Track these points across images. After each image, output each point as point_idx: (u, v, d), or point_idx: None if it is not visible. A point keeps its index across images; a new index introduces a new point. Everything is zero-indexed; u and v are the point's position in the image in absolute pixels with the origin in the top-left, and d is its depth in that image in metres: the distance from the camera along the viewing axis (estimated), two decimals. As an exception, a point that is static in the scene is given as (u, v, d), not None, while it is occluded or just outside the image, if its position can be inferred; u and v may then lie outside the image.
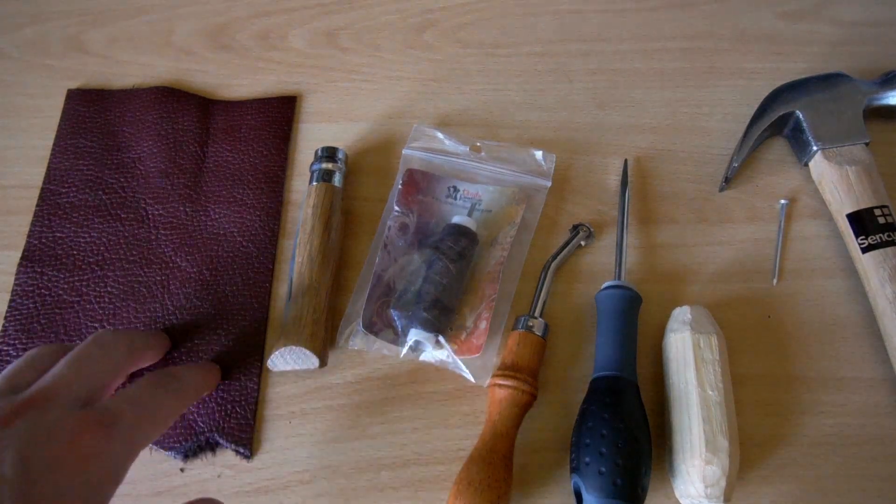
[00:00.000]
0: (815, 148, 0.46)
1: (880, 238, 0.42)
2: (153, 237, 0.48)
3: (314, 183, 0.47)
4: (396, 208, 0.47)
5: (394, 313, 0.43)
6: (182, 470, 0.41)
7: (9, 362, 0.44)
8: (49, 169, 0.51)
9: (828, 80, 0.48)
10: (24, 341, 0.44)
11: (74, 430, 0.30)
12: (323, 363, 0.41)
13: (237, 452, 0.41)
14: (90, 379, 0.33)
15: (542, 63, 0.54)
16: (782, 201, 0.48)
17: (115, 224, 0.48)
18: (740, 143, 0.48)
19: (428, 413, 0.42)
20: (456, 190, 0.48)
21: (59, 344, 0.37)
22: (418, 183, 0.48)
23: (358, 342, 0.44)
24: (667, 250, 0.47)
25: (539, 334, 0.41)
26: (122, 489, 0.40)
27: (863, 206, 0.44)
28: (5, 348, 0.44)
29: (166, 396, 0.36)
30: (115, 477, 0.31)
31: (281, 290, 0.46)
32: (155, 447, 0.41)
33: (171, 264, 0.47)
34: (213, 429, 0.42)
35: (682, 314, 0.41)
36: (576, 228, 0.47)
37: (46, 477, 0.28)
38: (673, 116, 0.51)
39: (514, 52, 0.55)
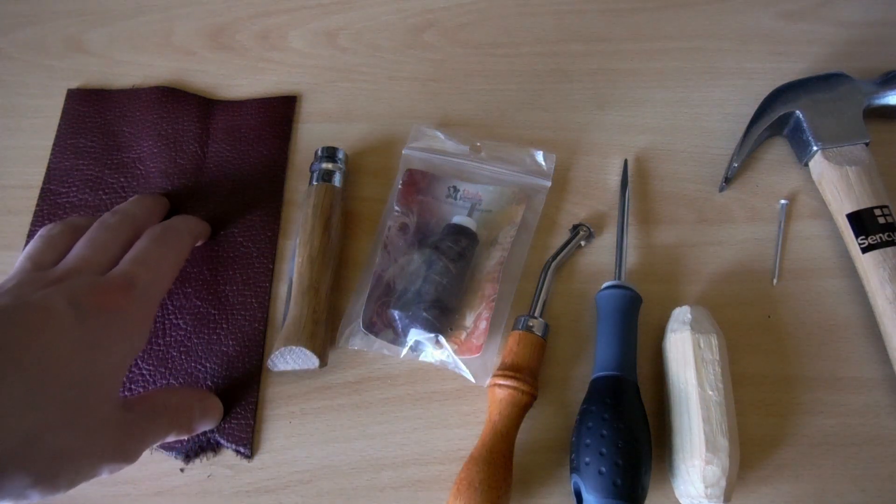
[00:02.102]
0: (815, 148, 0.46)
1: (880, 238, 0.43)
2: (153, 237, 0.48)
3: (314, 183, 0.47)
4: (396, 208, 0.47)
5: (394, 313, 0.43)
6: (182, 470, 0.41)
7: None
8: (49, 169, 0.51)
9: (828, 80, 0.48)
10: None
11: (105, 288, 0.35)
12: (323, 363, 0.41)
13: (237, 452, 0.41)
14: (106, 255, 0.38)
15: (542, 63, 0.54)
16: (782, 201, 0.48)
17: (115, 224, 0.48)
18: (740, 143, 0.48)
19: (428, 413, 0.42)
20: (456, 190, 0.48)
21: (68, 221, 0.41)
22: (418, 183, 0.48)
23: (358, 342, 0.44)
24: (667, 250, 0.47)
25: (539, 334, 0.41)
26: (122, 489, 0.40)
27: (863, 206, 0.44)
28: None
29: (168, 249, 0.41)
30: (143, 330, 0.37)
31: (281, 290, 0.46)
32: (155, 447, 0.41)
33: (171, 264, 0.47)
34: (214, 429, 0.42)
35: (682, 314, 0.41)
36: (576, 228, 0.47)
37: (94, 315, 0.34)
38: (673, 116, 0.51)
39: (514, 52, 0.55)
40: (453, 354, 0.42)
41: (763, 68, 0.53)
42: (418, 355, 0.43)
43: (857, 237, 0.43)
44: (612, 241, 0.47)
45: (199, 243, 0.46)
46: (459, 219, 0.46)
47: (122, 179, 0.50)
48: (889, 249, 0.42)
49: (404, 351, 0.43)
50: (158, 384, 0.43)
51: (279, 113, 0.52)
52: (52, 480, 0.31)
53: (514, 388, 0.39)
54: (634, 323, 0.42)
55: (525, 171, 0.49)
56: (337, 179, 0.47)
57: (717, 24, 0.55)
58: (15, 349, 0.30)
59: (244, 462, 0.41)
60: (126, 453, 0.34)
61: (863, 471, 0.40)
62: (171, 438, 0.38)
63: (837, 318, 0.44)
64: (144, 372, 0.43)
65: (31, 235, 0.48)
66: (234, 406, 0.42)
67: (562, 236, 0.47)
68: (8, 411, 0.29)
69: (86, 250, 0.38)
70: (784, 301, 0.45)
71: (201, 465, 0.41)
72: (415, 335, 0.42)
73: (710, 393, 0.37)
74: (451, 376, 0.43)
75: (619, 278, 0.44)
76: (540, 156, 0.49)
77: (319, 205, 0.45)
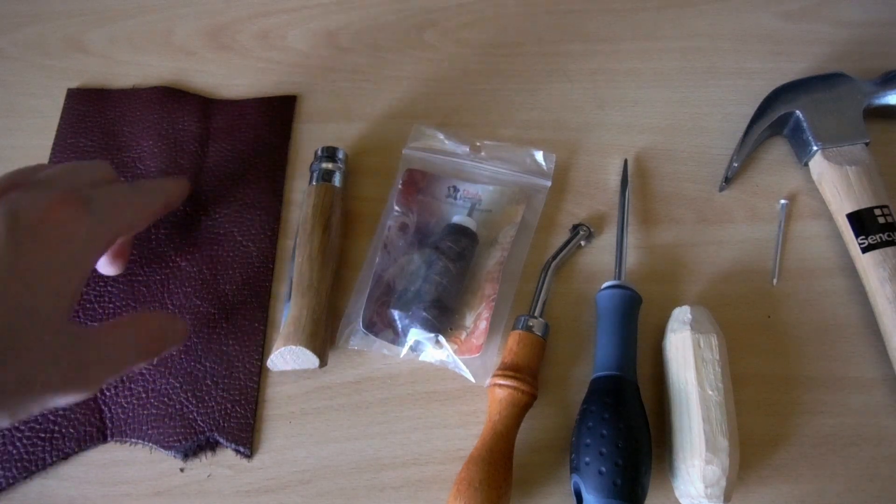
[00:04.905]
0: (815, 148, 0.46)
1: (880, 238, 0.42)
2: (153, 237, 0.48)
3: (314, 183, 0.47)
4: (396, 208, 0.47)
5: (394, 313, 0.43)
6: (182, 470, 0.41)
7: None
8: (49, 169, 0.51)
9: (828, 80, 0.48)
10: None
11: (54, 200, 0.33)
12: (323, 363, 0.41)
13: (237, 452, 0.41)
14: (73, 183, 0.37)
15: (542, 63, 0.54)
16: (782, 201, 0.48)
17: (115, 224, 0.48)
18: (740, 143, 0.48)
19: (428, 413, 0.42)
20: (456, 190, 0.48)
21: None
22: (418, 183, 0.48)
23: (358, 342, 0.44)
24: (667, 250, 0.47)
25: (539, 334, 0.41)
26: (122, 489, 0.40)
27: (863, 206, 0.44)
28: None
29: (134, 194, 0.39)
30: (91, 250, 0.35)
31: (281, 289, 0.46)
32: (155, 447, 0.41)
33: (171, 264, 0.47)
34: (213, 428, 0.42)
35: (682, 314, 0.41)
36: (576, 228, 0.47)
37: (34, 233, 0.32)
38: (673, 116, 0.51)
39: (514, 52, 0.55)
40: (453, 354, 0.42)
41: (763, 68, 0.53)
42: (418, 355, 0.43)
43: (857, 237, 0.43)
44: (612, 241, 0.47)
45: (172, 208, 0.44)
46: (459, 219, 0.46)
47: (122, 179, 0.50)
48: (889, 249, 0.42)
49: (404, 351, 0.43)
50: (158, 384, 0.43)
51: (279, 113, 0.52)
52: None
53: (514, 388, 0.39)
54: (634, 323, 0.42)
55: (525, 171, 0.49)
56: (337, 179, 0.47)
57: (717, 24, 0.55)
58: None
59: (244, 462, 0.41)
60: (80, 382, 0.33)
61: (863, 471, 0.40)
62: (138, 367, 0.37)
63: (837, 318, 0.44)
64: (144, 371, 0.43)
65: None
66: (234, 406, 0.42)
67: (562, 236, 0.47)
68: None
69: (53, 171, 0.37)
70: (784, 301, 0.45)
71: (201, 465, 0.41)
72: (415, 335, 0.42)
73: (710, 393, 0.37)
74: (451, 376, 0.43)
75: (619, 278, 0.44)
76: (540, 156, 0.49)
77: (319, 205, 0.45)
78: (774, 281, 0.45)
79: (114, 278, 0.46)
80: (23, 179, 0.36)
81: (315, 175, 0.47)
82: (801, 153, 0.48)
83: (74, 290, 0.34)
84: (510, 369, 0.40)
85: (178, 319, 0.39)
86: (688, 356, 0.39)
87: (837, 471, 0.40)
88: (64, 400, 0.32)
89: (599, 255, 0.47)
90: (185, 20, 0.58)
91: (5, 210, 0.32)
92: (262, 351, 0.44)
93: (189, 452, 0.41)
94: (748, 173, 0.49)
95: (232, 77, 0.55)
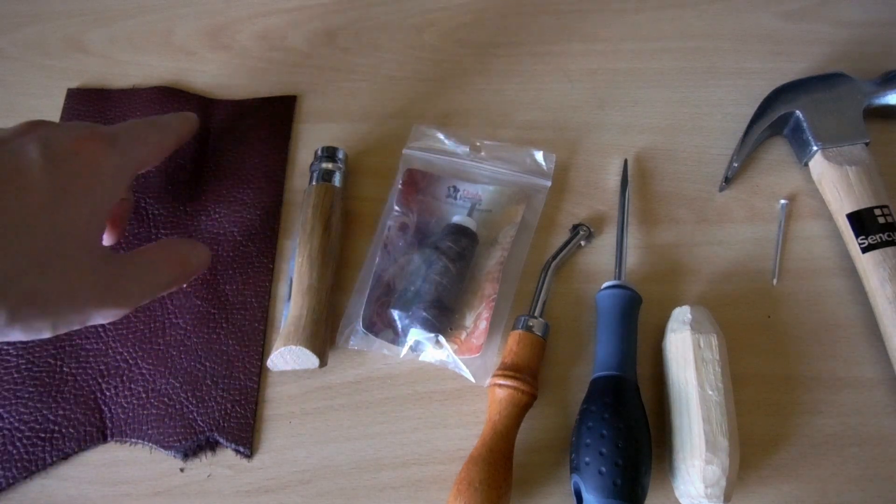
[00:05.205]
0: (815, 148, 0.46)
1: (880, 238, 0.43)
2: (153, 237, 0.48)
3: (314, 183, 0.47)
4: (396, 208, 0.47)
5: (394, 313, 0.43)
6: (182, 470, 0.41)
7: (8, 362, 0.44)
8: (49, 169, 0.51)
9: (828, 80, 0.48)
10: (24, 342, 0.44)
11: (82, 136, 0.36)
12: (323, 363, 0.41)
13: (237, 452, 0.41)
14: (94, 126, 0.39)
15: (542, 63, 0.54)
16: (782, 201, 0.48)
17: (115, 224, 0.48)
18: (740, 143, 0.48)
19: (428, 413, 0.42)
20: (456, 190, 0.48)
21: None
22: (418, 183, 0.48)
23: (358, 342, 0.44)
24: (667, 250, 0.47)
25: (539, 334, 0.41)
26: (122, 489, 0.40)
27: (863, 206, 0.44)
28: (6, 348, 0.44)
29: (152, 130, 0.41)
30: (117, 183, 0.37)
31: (281, 289, 0.46)
32: (155, 447, 0.41)
33: (171, 264, 0.47)
34: (213, 428, 0.42)
35: (682, 314, 0.41)
36: (576, 228, 0.47)
37: (67, 161, 0.34)
38: (673, 116, 0.51)
39: (514, 52, 0.55)
40: (453, 354, 0.42)
41: (763, 68, 0.53)
42: (418, 355, 0.43)
43: (857, 237, 0.43)
44: (612, 241, 0.47)
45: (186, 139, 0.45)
46: (459, 219, 0.46)
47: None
48: (889, 249, 0.42)
49: (404, 351, 0.43)
50: (158, 384, 0.43)
51: (279, 113, 0.52)
52: (30, 321, 0.31)
53: (514, 387, 0.39)
54: (634, 323, 0.42)
55: (525, 171, 0.49)
56: (337, 179, 0.47)
57: (717, 24, 0.55)
58: None
59: (244, 462, 0.41)
60: (117, 298, 0.35)
61: (863, 471, 0.40)
62: (169, 290, 0.38)
63: (837, 318, 0.44)
64: (144, 371, 0.43)
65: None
66: (234, 406, 0.42)
67: (562, 236, 0.47)
68: None
69: (78, 122, 0.39)
70: (784, 301, 0.45)
71: (201, 465, 0.41)
72: (415, 335, 0.42)
73: (710, 393, 0.37)
74: (451, 376, 0.43)
75: (619, 278, 0.44)
76: (540, 156, 0.49)
77: (319, 205, 0.45)
78: (774, 281, 0.45)
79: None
80: (44, 122, 0.37)
81: (315, 175, 0.47)
82: (801, 153, 0.48)
83: (103, 220, 0.36)
84: (510, 369, 0.40)
85: (201, 244, 0.42)
86: (688, 356, 0.39)
87: (837, 471, 0.40)
88: (102, 316, 0.34)
89: (599, 255, 0.47)
90: (185, 20, 0.58)
91: (38, 140, 0.34)
92: (262, 351, 0.44)
93: (189, 452, 0.41)
94: (748, 173, 0.49)
95: (232, 77, 0.55)
